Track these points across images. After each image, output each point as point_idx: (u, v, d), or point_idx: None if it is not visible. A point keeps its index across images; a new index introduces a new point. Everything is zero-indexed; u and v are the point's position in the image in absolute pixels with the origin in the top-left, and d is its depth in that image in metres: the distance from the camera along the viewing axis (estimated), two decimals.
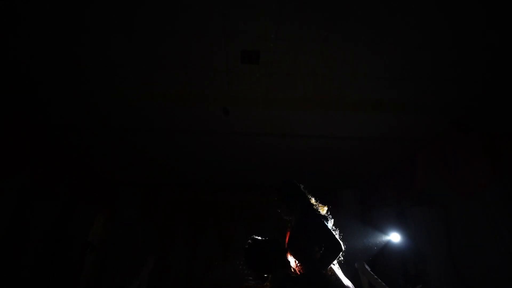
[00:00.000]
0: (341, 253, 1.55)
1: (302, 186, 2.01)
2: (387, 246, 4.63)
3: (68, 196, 4.15)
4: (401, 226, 4.38)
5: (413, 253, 4.03)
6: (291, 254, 1.63)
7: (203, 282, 4.88)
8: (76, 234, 4.18)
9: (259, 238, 1.78)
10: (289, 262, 1.64)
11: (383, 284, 2.20)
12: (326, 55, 2.63)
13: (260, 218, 5.72)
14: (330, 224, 1.73)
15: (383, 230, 4.74)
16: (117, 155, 4.57)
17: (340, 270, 1.60)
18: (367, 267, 2.40)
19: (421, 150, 4.10)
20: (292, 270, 1.61)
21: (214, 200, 5.96)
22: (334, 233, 1.59)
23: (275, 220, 5.71)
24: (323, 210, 1.80)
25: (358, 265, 2.49)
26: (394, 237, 4.46)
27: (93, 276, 4.98)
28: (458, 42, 2.46)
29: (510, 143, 3.30)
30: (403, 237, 4.32)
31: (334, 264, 1.57)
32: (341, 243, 1.57)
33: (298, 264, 1.58)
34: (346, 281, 1.53)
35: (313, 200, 1.87)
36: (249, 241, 1.78)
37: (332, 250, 1.54)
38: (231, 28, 2.35)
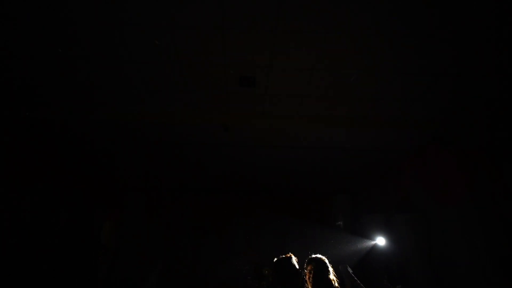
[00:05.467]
0: None
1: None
2: (375, 249, 4.94)
3: (79, 202, 4.45)
4: (387, 231, 4.70)
5: (396, 256, 4.35)
6: None
7: (205, 283, 5.15)
8: (88, 238, 4.46)
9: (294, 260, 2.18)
10: None
11: (362, 285, 2.52)
12: (315, 80, 2.96)
13: (259, 222, 6.04)
14: None
15: (372, 234, 5.05)
16: (124, 163, 4.88)
17: None
18: (349, 269, 2.72)
19: (406, 161, 4.44)
20: None
21: (215, 205, 6.23)
22: None
23: (270, 224, 6.06)
24: None
25: (341, 268, 2.80)
26: (380, 241, 4.78)
27: (105, 276, 5.24)
28: (429, 70, 2.79)
29: (483, 158, 3.63)
30: (388, 241, 4.65)
31: None
32: None
33: None
34: None
35: None
36: (288, 255, 2.23)
37: None
38: (229, 59, 2.68)
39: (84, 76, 2.89)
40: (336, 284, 2.20)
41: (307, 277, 2.25)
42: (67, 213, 4.08)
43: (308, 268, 2.28)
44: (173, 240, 5.83)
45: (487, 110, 3.48)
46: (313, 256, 2.34)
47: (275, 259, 2.23)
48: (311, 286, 2.18)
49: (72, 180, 4.42)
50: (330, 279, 2.22)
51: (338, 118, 3.67)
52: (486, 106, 3.40)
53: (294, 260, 2.18)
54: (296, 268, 2.14)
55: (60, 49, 2.39)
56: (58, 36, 2.39)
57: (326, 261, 2.29)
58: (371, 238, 4.98)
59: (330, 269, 2.27)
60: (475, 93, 3.16)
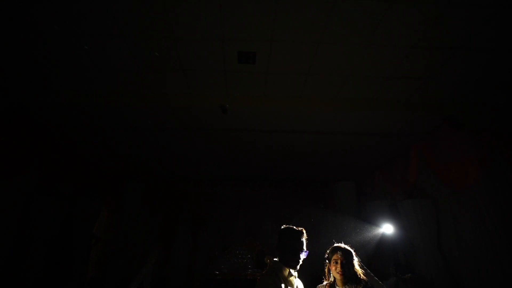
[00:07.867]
0: None
1: None
2: (381, 236, 4.80)
3: (73, 192, 4.30)
4: (394, 218, 4.54)
5: (404, 243, 4.21)
6: None
7: (204, 272, 5.05)
8: (82, 227, 4.33)
9: (303, 237, 1.87)
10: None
11: (372, 274, 2.36)
12: (321, 55, 2.71)
13: (258, 210, 5.91)
14: None
15: (377, 221, 4.90)
16: (120, 152, 4.70)
17: None
18: (357, 258, 2.55)
19: (415, 145, 4.22)
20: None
21: (213, 194, 6.10)
22: None
23: (271, 212, 5.92)
24: None
25: None
26: (387, 228, 4.63)
27: (99, 266, 5.18)
28: (448, 42, 2.54)
29: (498, 140, 3.41)
30: (396, 229, 4.49)
31: None
32: None
33: None
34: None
35: None
36: (299, 228, 1.90)
37: None
38: (227, 31, 2.42)
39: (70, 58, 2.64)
40: (363, 276, 2.01)
41: (332, 267, 2.04)
42: (62, 202, 3.92)
43: (334, 257, 2.06)
44: (171, 229, 5.72)
45: (503, 91, 3.24)
46: (337, 245, 2.11)
47: (283, 226, 1.90)
48: (340, 277, 1.98)
49: (67, 169, 4.24)
50: (356, 270, 2.03)
51: (344, 99, 3.44)
52: (502, 87, 3.16)
53: (304, 238, 1.88)
54: (303, 246, 1.85)
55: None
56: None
57: (352, 250, 2.09)
58: (376, 225, 4.82)
59: (356, 258, 2.07)
60: (491, 73, 2.91)
